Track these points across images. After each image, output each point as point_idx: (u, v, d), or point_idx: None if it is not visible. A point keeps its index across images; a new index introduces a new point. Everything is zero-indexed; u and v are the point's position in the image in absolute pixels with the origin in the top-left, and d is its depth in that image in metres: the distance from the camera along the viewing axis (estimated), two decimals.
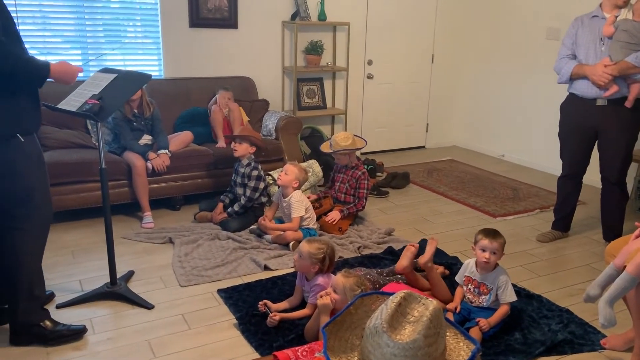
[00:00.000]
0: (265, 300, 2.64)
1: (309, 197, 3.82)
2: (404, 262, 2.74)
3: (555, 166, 4.95)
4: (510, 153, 5.79)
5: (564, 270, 3.30)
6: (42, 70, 2.16)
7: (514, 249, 3.53)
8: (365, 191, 3.82)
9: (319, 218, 3.72)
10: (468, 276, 2.61)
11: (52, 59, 4.15)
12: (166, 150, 3.92)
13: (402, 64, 5.90)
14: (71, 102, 2.59)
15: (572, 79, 3.36)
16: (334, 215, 3.70)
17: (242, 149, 3.79)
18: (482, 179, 5.09)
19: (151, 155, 3.84)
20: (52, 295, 2.74)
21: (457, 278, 2.69)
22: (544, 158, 5.34)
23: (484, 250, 2.50)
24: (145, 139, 3.98)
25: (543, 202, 4.47)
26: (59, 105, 2.57)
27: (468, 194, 4.64)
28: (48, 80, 2.21)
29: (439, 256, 3.29)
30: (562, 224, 3.74)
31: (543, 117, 5.30)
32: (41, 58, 2.28)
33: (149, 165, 3.80)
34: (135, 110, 3.91)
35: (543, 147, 5.33)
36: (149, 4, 4.55)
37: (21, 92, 2.18)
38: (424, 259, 2.74)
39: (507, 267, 2.88)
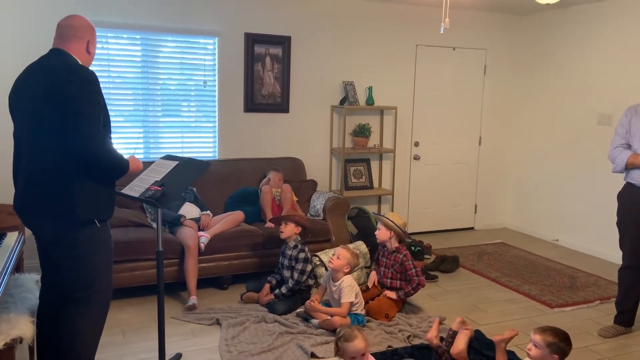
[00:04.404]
0: None
1: (375, 285, 3.84)
2: (460, 345, 2.72)
3: (613, 253, 4.75)
4: (565, 238, 5.59)
5: None
6: (126, 167, 2.32)
7: (574, 344, 3.27)
8: (413, 270, 3.72)
9: (365, 303, 3.66)
10: None
11: (115, 137, 4.44)
12: (208, 211, 4.25)
13: (449, 145, 5.95)
14: (135, 188, 2.72)
15: (628, 168, 3.29)
16: (391, 294, 3.70)
17: (289, 230, 3.84)
18: (536, 265, 4.91)
19: (199, 232, 3.98)
20: None
21: None
22: (602, 244, 5.13)
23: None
24: (193, 211, 4.15)
25: (603, 292, 4.25)
26: (123, 191, 2.71)
27: (522, 281, 4.47)
28: None
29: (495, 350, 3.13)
30: (625, 318, 3.52)
31: (598, 201, 5.15)
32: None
33: (202, 245, 3.90)
34: None
35: (600, 233, 5.14)
36: (209, 90, 4.85)
37: (103, 182, 2.33)
38: (456, 349, 2.74)
39: None
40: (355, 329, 2.55)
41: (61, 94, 2.15)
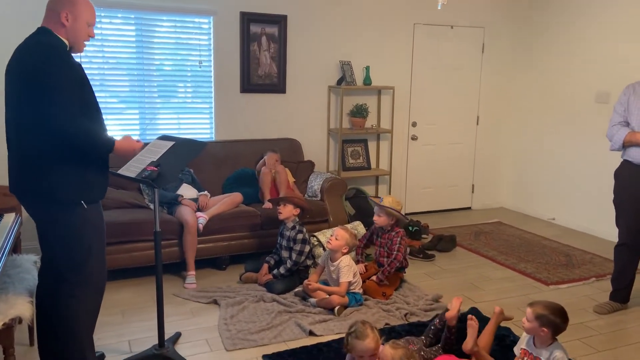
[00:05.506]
0: None
1: (366, 266, 3.85)
2: (470, 343, 2.62)
3: (609, 231, 4.77)
4: (561, 216, 5.62)
5: (626, 345, 3.11)
6: (106, 146, 2.28)
7: (570, 320, 3.34)
8: (397, 246, 3.71)
9: (363, 282, 3.67)
10: (524, 349, 2.53)
11: (110, 118, 4.43)
12: (205, 192, 4.26)
13: (446, 125, 5.94)
14: (131, 168, 2.71)
15: (625, 146, 3.29)
16: (372, 279, 3.68)
17: (287, 211, 3.84)
18: (532, 244, 4.94)
19: (198, 213, 3.98)
20: (102, 357, 2.77)
21: (515, 349, 2.63)
22: (598, 222, 5.16)
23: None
24: (191, 192, 4.17)
25: (599, 269, 4.28)
26: (120, 171, 2.70)
27: (518, 259, 4.50)
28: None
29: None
30: (621, 294, 3.56)
31: (595, 180, 5.16)
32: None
33: (200, 226, 3.91)
34: None
35: (596, 211, 5.16)
36: (204, 71, 4.80)
37: (89, 162, 2.30)
38: (467, 345, 2.61)
39: (563, 340, 2.74)
40: (368, 327, 2.37)
41: (30, 74, 2.12)
